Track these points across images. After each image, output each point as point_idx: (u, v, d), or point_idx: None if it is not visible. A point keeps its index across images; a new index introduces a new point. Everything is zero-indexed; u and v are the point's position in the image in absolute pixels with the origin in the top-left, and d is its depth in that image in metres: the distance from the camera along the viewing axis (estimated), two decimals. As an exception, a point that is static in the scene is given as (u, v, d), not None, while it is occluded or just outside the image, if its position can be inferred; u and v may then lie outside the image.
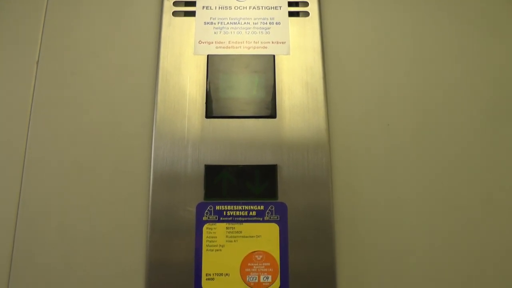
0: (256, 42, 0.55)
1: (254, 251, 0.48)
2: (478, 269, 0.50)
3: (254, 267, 0.48)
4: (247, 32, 0.55)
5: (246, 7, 0.56)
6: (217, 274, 0.48)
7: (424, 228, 0.51)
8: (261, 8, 0.56)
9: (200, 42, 0.54)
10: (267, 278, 0.48)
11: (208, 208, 0.49)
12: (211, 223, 0.49)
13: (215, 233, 0.49)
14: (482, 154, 0.54)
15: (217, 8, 0.56)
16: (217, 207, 0.49)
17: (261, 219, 0.49)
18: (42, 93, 0.54)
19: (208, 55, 0.54)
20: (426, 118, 0.54)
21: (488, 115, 0.55)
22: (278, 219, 0.49)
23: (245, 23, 0.55)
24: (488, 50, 0.57)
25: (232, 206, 0.49)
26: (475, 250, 0.51)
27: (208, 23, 0.55)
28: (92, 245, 0.50)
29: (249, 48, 0.54)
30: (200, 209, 0.49)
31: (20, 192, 0.51)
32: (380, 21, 0.58)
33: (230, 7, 0.56)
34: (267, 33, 0.55)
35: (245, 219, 0.49)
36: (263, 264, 0.48)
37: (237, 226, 0.49)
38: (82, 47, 0.56)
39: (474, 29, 0.58)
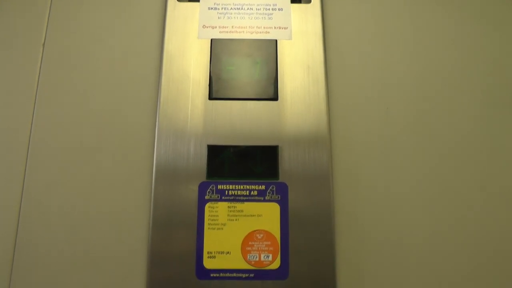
0: (259, 27, 0.56)
1: (255, 230, 0.49)
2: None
3: (255, 245, 0.49)
4: (250, 18, 0.56)
5: (249, -7, 0.57)
6: (219, 252, 0.48)
7: (425, 212, 0.52)
8: (264, -6, 0.57)
9: (204, 26, 0.56)
10: (268, 256, 0.48)
11: (210, 187, 0.50)
12: (213, 202, 0.50)
13: (217, 212, 0.49)
14: (483, 146, 0.54)
15: (221, -7, 0.57)
16: (219, 187, 0.50)
17: (262, 198, 0.50)
18: (48, 75, 0.55)
19: (211, 39, 0.55)
20: (427, 105, 0.55)
21: (488, 103, 0.56)
22: (279, 198, 0.50)
23: (248, 8, 0.57)
24: (487, 38, 0.59)
25: (233, 186, 0.50)
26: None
27: (212, 8, 0.56)
28: (94, 225, 0.50)
29: (252, 33, 0.55)
30: (203, 188, 0.50)
31: (24, 178, 0.51)
32: (381, 7, 0.59)
33: (234, -7, 0.57)
34: (269, 18, 0.56)
35: (247, 198, 0.50)
36: (264, 243, 0.49)
37: (239, 205, 0.50)
38: (87, 30, 0.57)
39: (474, 17, 0.59)
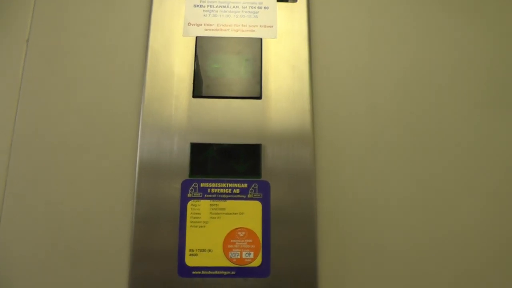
0: (244, 26, 0.56)
1: (237, 228, 0.49)
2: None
3: (236, 243, 0.49)
4: (235, 16, 0.56)
5: (235, -9, 0.57)
6: (200, 250, 0.49)
7: (408, 211, 0.52)
8: (250, -8, 0.57)
9: (189, 24, 0.55)
10: (249, 254, 0.49)
11: (193, 185, 0.50)
12: (195, 200, 0.50)
13: (199, 209, 0.50)
14: (469, 146, 0.55)
15: (207, -9, 0.57)
16: (202, 184, 0.50)
17: (245, 196, 0.50)
18: (31, 71, 0.55)
19: (196, 37, 0.55)
20: (412, 104, 0.55)
21: (476, 102, 0.56)
22: (261, 197, 0.50)
23: (234, 6, 0.56)
24: (477, 38, 0.59)
25: (216, 184, 0.50)
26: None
27: (197, 5, 0.56)
28: (77, 221, 0.50)
29: (237, 31, 0.55)
30: (185, 186, 0.50)
31: (6, 175, 0.51)
32: (367, 6, 0.59)
33: (220, -9, 0.57)
34: (255, 17, 0.56)
35: (229, 196, 0.50)
36: (246, 240, 0.49)
37: (221, 203, 0.50)
38: (72, 26, 0.56)
39: (463, 15, 0.59)
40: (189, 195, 0.50)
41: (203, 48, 0.54)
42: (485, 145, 0.55)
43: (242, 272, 0.48)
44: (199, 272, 0.48)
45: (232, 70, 0.54)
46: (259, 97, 0.53)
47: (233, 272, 0.48)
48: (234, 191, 0.50)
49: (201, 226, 0.49)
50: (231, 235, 0.49)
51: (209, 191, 0.50)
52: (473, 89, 0.57)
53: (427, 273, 0.51)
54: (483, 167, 0.54)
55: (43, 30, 0.56)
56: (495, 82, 0.57)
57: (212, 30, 0.55)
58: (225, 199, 0.50)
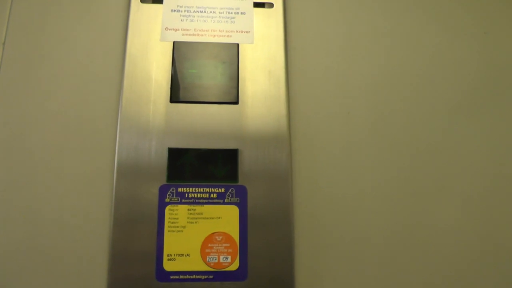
0: (221, 31, 0.56)
1: (214, 232, 0.50)
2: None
3: (214, 247, 0.49)
4: (212, 21, 0.56)
5: (212, -4, 0.58)
6: (178, 255, 0.49)
7: (384, 212, 0.53)
8: (227, -3, 0.58)
9: (166, 29, 0.56)
10: (227, 258, 0.49)
11: (171, 190, 0.50)
12: (173, 205, 0.50)
13: (177, 214, 0.50)
14: (441, 148, 0.56)
15: (184, -4, 0.57)
16: (179, 189, 0.50)
17: (222, 201, 0.50)
18: (8, 74, 0.54)
19: (174, 42, 0.55)
20: (386, 109, 0.57)
21: (447, 105, 0.58)
22: (238, 201, 0.51)
23: (211, 11, 0.57)
24: (450, 44, 0.60)
25: (194, 188, 0.51)
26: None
27: (175, 10, 0.57)
28: (57, 220, 0.50)
29: (214, 36, 0.56)
30: (163, 191, 0.50)
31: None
32: (342, 13, 0.60)
33: (197, -4, 0.58)
34: (232, 22, 0.57)
35: (206, 201, 0.50)
36: (223, 245, 0.50)
37: (199, 208, 0.50)
38: (49, 29, 0.56)
39: (437, 23, 0.61)
40: (167, 200, 0.50)
41: (181, 53, 0.55)
42: (454, 144, 0.56)
43: (219, 276, 0.49)
44: (177, 277, 0.48)
45: (209, 75, 0.54)
46: (236, 102, 0.53)
47: (211, 276, 0.49)
48: (212, 195, 0.51)
49: (179, 231, 0.49)
50: (209, 240, 0.50)
51: (186, 195, 0.50)
52: (444, 93, 0.58)
53: (404, 272, 0.52)
54: (454, 168, 0.56)
55: (20, 33, 0.56)
56: (466, 87, 0.59)
57: (189, 35, 0.56)
58: (202, 203, 0.50)
